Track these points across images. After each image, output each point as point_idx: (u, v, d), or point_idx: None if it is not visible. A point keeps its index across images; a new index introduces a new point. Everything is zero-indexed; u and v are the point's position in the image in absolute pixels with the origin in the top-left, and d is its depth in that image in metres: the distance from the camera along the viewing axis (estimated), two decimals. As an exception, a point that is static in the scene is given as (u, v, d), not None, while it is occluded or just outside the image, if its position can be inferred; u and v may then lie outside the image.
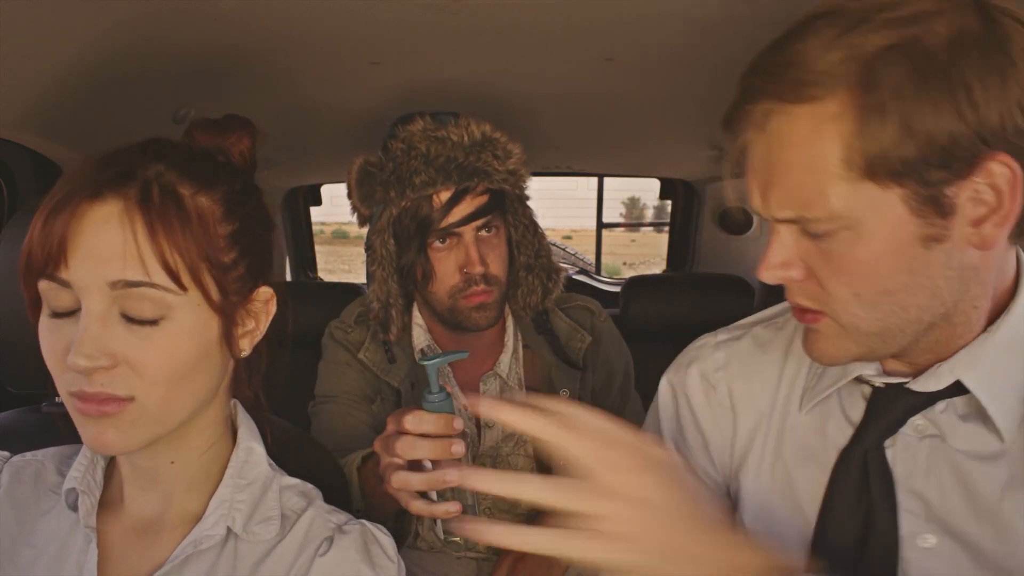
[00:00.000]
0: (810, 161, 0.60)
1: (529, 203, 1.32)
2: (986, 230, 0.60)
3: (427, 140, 1.19)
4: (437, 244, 1.21)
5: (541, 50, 1.33)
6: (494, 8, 1.14)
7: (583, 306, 1.41)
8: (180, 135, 0.78)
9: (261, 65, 1.35)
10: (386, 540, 0.74)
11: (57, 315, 0.65)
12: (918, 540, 0.69)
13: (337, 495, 0.81)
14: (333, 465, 1.01)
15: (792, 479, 0.77)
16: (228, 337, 0.70)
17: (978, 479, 0.68)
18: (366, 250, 1.30)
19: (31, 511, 0.75)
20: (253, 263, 0.72)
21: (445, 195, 1.18)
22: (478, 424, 1.37)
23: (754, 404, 0.82)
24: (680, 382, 0.87)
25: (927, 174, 0.57)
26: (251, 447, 0.77)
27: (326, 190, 2.71)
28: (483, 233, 1.21)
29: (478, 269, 1.19)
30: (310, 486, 0.79)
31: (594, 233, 3.43)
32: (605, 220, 3.36)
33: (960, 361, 0.67)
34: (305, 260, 2.79)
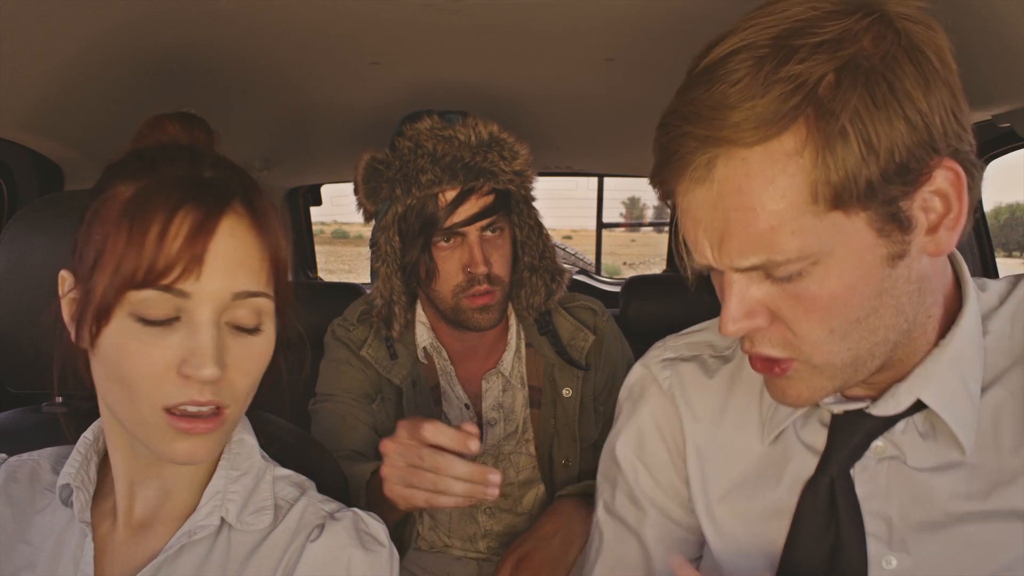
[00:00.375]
0: (773, 202, 0.57)
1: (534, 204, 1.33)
2: (941, 236, 0.60)
3: (434, 139, 1.19)
4: (441, 243, 1.21)
5: (541, 50, 1.33)
6: (494, 8, 1.14)
7: (587, 306, 1.41)
8: None
9: (261, 65, 1.35)
10: (377, 526, 0.75)
11: (151, 324, 0.64)
12: (882, 562, 0.69)
13: (336, 495, 0.81)
14: (333, 465, 1.01)
15: (752, 509, 0.76)
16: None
17: (940, 495, 0.68)
18: (371, 246, 1.30)
19: (27, 509, 0.76)
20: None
21: (451, 194, 1.18)
22: (480, 423, 1.37)
23: (695, 430, 0.80)
24: (637, 389, 0.86)
25: (888, 191, 0.57)
26: (243, 439, 0.77)
27: (326, 190, 2.71)
28: (487, 233, 1.22)
29: (481, 269, 1.19)
30: (303, 477, 0.79)
31: (594, 233, 3.43)
32: (605, 220, 3.36)
33: (917, 379, 0.67)
34: (305, 260, 2.79)
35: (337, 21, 1.18)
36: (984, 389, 0.68)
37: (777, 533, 0.73)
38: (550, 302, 1.32)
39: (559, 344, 1.33)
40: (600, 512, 0.90)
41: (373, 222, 1.30)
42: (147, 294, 0.63)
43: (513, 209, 1.27)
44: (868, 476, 0.70)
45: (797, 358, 0.64)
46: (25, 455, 0.80)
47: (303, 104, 1.62)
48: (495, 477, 0.86)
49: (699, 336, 0.86)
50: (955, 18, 0.99)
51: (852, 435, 0.70)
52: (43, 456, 0.80)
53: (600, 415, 1.38)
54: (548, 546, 1.22)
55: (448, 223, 1.19)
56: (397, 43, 1.29)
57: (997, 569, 0.65)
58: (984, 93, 1.10)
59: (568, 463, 1.35)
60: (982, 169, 0.62)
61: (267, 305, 0.68)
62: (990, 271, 1.48)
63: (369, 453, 1.24)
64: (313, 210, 2.79)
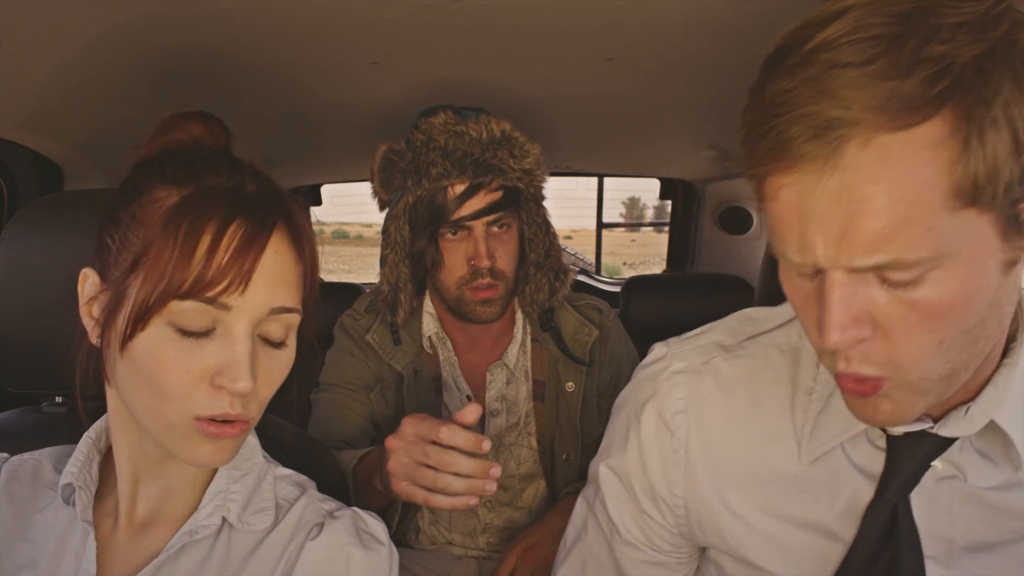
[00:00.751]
0: (911, 195, 0.50)
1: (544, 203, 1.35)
2: None
3: (446, 133, 1.22)
4: (448, 235, 1.24)
5: (541, 50, 1.33)
6: (494, 8, 1.14)
7: (593, 305, 1.43)
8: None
9: (261, 65, 1.35)
10: (376, 524, 0.75)
11: (188, 335, 0.64)
12: None
13: (337, 495, 0.81)
14: (332, 464, 1.01)
15: (796, 537, 0.71)
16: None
17: (1001, 514, 0.66)
18: (382, 234, 1.33)
19: (28, 507, 0.76)
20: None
21: (459, 188, 1.21)
22: (483, 415, 1.37)
23: (722, 452, 0.74)
24: (635, 414, 0.79)
25: (1016, 192, 0.52)
26: (245, 439, 0.78)
27: (326, 190, 2.71)
28: (494, 228, 1.24)
29: (485, 263, 1.22)
30: (304, 477, 0.80)
31: (594, 233, 3.43)
32: (605, 220, 3.36)
33: (989, 399, 0.63)
34: (305, 260, 2.79)
35: (337, 21, 1.18)
36: None
37: (826, 555, 0.70)
38: (553, 299, 1.34)
39: (561, 341, 1.36)
40: (581, 503, 0.88)
41: (387, 211, 1.34)
42: (189, 305, 0.63)
43: (522, 206, 1.30)
44: (927, 498, 0.67)
45: (893, 377, 0.57)
46: (27, 454, 0.80)
47: (303, 104, 1.62)
48: (495, 470, 0.87)
49: (706, 338, 0.80)
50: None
51: (913, 457, 0.66)
52: (45, 455, 0.81)
53: (604, 412, 1.38)
54: (554, 541, 1.21)
55: (455, 216, 1.22)
56: (397, 43, 1.29)
57: None
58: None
59: (569, 458, 1.36)
60: None
61: (296, 320, 0.69)
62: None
63: (360, 445, 1.26)
64: (313, 210, 2.79)
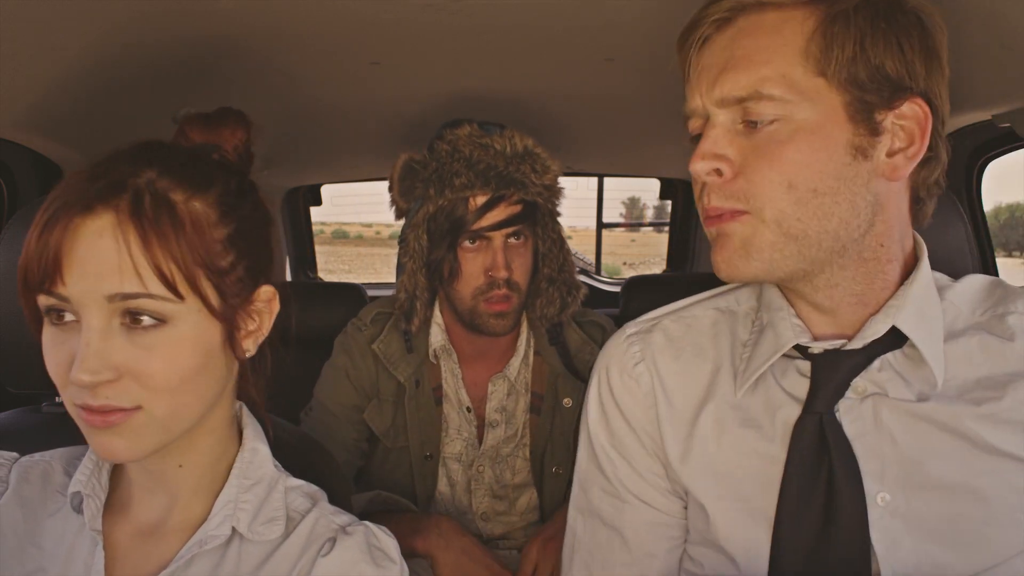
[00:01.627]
0: (774, 45, 0.69)
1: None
2: (897, 161, 0.71)
3: (471, 145, 1.25)
4: (467, 244, 1.26)
5: (541, 50, 1.33)
6: (494, 8, 1.14)
7: (596, 322, 1.45)
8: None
9: (261, 65, 1.35)
10: (389, 541, 0.74)
11: (58, 327, 0.65)
12: (877, 499, 0.72)
13: (339, 500, 0.81)
14: (335, 468, 1.01)
15: (742, 463, 0.78)
16: (231, 340, 0.70)
17: (922, 423, 0.72)
18: (400, 243, 1.35)
19: (38, 511, 0.75)
20: (252, 264, 0.71)
21: (481, 199, 1.24)
22: (480, 425, 1.37)
23: (679, 396, 0.82)
24: (604, 379, 0.87)
25: (867, 93, 0.69)
26: (256, 448, 0.77)
27: (326, 190, 2.71)
28: (512, 241, 1.27)
29: (502, 274, 1.24)
30: (315, 488, 0.79)
31: (594, 233, 3.43)
32: (605, 220, 3.36)
33: (889, 309, 0.74)
34: (305, 260, 2.79)
35: (337, 21, 1.18)
36: (945, 341, 0.76)
37: (771, 478, 0.75)
38: (564, 314, 1.35)
39: (567, 356, 1.37)
40: (572, 512, 0.90)
41: (402, 222, 1.35)
42: (42, 299, 0.65)
43: (538, 221, 1.32)
44: (855, 416, 0.74)
45: (748, 210, 0.70)
46: (37, 455, 0.80)
47: (303, 104, 1.62)
48: None
49: (656, 312, 0.91)
50: (956, 18, 0.99)
51: (834, 372, 0.74)
52: (55, 457, 0.80)
53: None
54: (558, 538, 1.23)
55: (476, 226, 1.24)
56: (397, 43, 1.29)
57: (979, 496, 0.70)
58: (984, 93, 1.10)
59: (559, 471, 1.38)
60: (947, 144, 0.77)
61: (166, 307, 0.64)
62: (990, 271, 1.48)
63: (348, 471, 1.31)
64: (313, 210, 2.79)
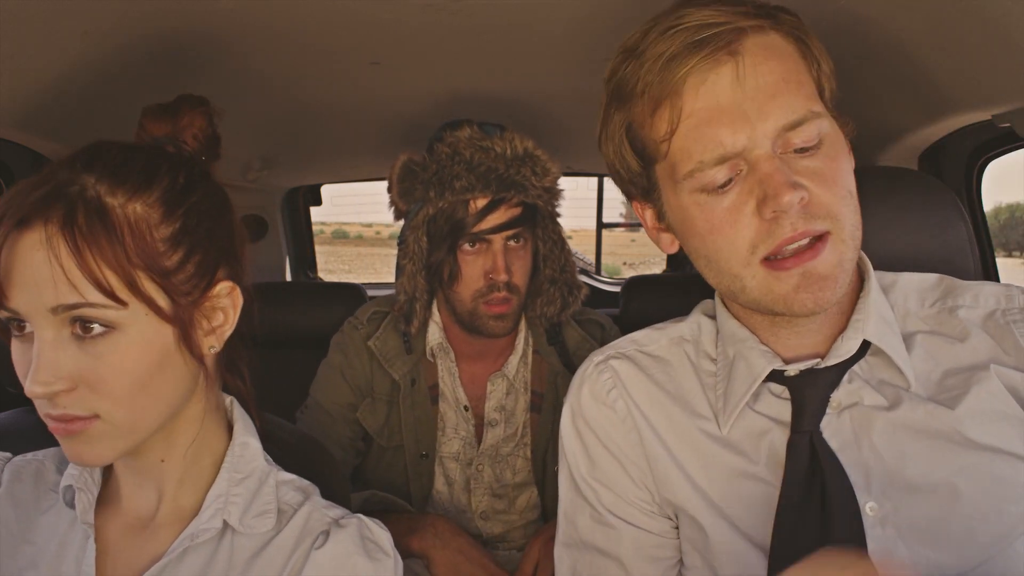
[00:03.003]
0: (797, 64, 0.70)
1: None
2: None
3: (472, 148, 1.24)
4: (467, 247, 1.25)
5: (541, 50, 1.33)
6: (494, 8, 1.14)
7: (595, 320, 1.45)
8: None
9: (261, 65, 1.35)
10: (382, 534, 0.74)
11: (20, 338, 0.65)
12: (866, 509, 0.72)
13: (338, 500, 0.81)
14: (335, 468, 1.01)
15: (731, 490, 0.77)
16: (187, 340, 0.68)
17: (899, 428, 0.73)
18: (399, 244, 1.34)
19: (31, 509, 0.75)
20: (205, 257, 0.70)
21: (481, 202, 1.23)
22: (479, 424, 1.37)
23: (655, 422, 0.82)
24: (578, 408, 0.87)
25: (828, 102, 0.73)
26: (246, 442, 0.77)
27: (326, 190, 2.71)
28: (511, 243, 1.26)
29: (502, 276, 1.24)
30: (307, 482, 0.79)
31: (594, 233, 3.43)
32: (605, 220, 3.35)
33: (856, 324, 0.75)
34: (305, 260, 2.79)
35: (337, 21, 1.18)
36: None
37: (761, 503, 0.75)
38: (564, 314, 1.35)
39: (566, 355, 1.37)
40: (559, 550, 0.89)
41: (401, 222, 1.35)
42: (2, 312, 0.65)
43: (538, 223, 1.32)
44: (834, 430, 0.74)
45: (833, 228, 0.69)
46: (29, 455, 0.80)
47: (303, 104, 1.62)
48: None
49: (618, 342, 0.90)
50: (955, 17, 0.99)
51: (814, 391, 0.75)
52: (48, 456, 0.80)
53: None
54: None
55: (476, 229, 1.23)
56: (397, 43, 1.29)
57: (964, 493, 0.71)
58: (984, 93, 1.10)
59: None
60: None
61: (109, 314, 0.64)
62: (990, 271, 1.48)
63: (345, 444, 1.34)
64: (313, 210, 2.79)
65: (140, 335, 0.65)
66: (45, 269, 0.62)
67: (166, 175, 0.69)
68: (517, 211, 1.25)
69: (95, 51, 1.13)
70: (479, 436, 1.37)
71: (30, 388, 0.62)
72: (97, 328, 0.64)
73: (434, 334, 1.36)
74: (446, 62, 1.39)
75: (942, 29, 1.02)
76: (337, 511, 0.76)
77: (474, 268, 1.25)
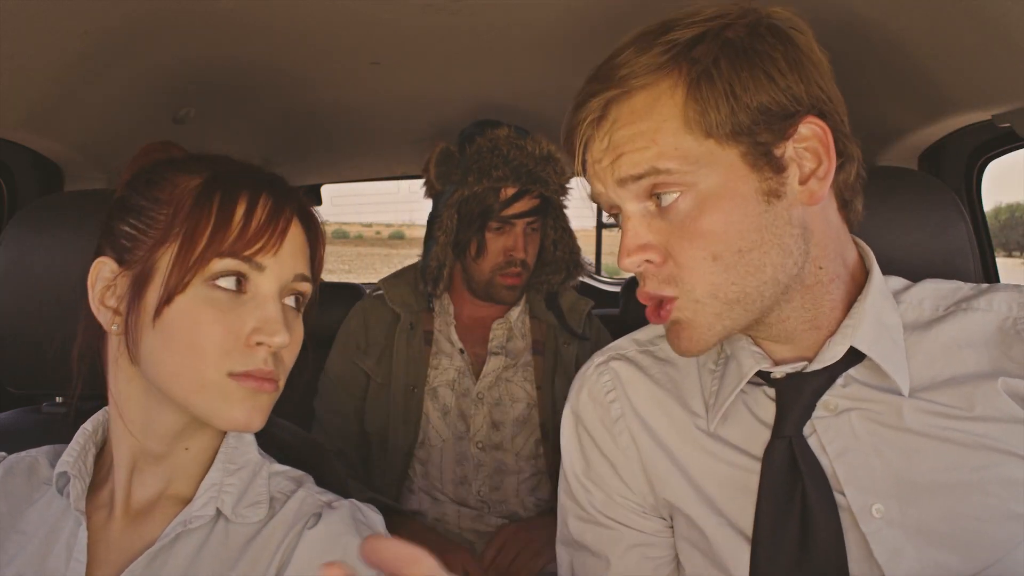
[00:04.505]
0: (656, 125, 0.68)
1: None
2: (812, 186, 0.70)
3: (509, 145, 1.44)
4: (494, 227, 1.45)
5: (541, 50, 1.33)
6: (494, 8, 1.14)
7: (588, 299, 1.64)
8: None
9: (261, 65, 1.35)
10: (374, 517, 0.75)
11: (225, 293, 0.69)
12: (872, 511, 0.72)
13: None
14: (335, 469, 1.01)
15: (724, 489, 0.78)
16: None
17: (898, 433, 0.73)
18: (430, 220, 1.55)
19: (22, 502, 0.76)
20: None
21: (511, 191, 1.44)
22: (476, 363, 1.50)
23: (653, 424, 0.83)
24: (577, 409, 0.88)
25: (757, 135, 0.68)
26: (241, 434, 0.78)
27: (326, 190, 2.71)
28: (529, 228, 1.47)
29: (521, 255, 1.46)
30: (301, 472, 0.80)
31: (594, 233, 3.43)
32: (605, 220, 3.35)
33: (845, 329, 0.74)
34: (305, 260, 2.79)
35: (337, 21, 1.18)
36: (908, 339, 0.77)
37: (748, 511, 0.76)
38: (565, 284, 1.57)
39: (561, 316, 1.55)
40: (558, 548, 0.91)
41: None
42: (228, 263, 0.69)
43: (550, 213, 1.53)
44: (834, 433, 0.74)
45: (680, 295, 0.70)
46: (24, 452, 0.81)
47: (303, 104, 1.62)
48: None
49: (622, 341, 0.91)
50: (955, 17, 0.99)
51: (798, 395, 0.75)
52: (41, 453, 0.81)
53: None
54: (540, 524, 1.40)
55: (506, 213, 1.44)
56: (397, 43, 1.29)
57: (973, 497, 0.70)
58: (984, 93, 1.10)
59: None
60: (855, 144, 0.74)
61: (309, 290, 0.75)
62: (990, 271, 1.48)
63: (347, 412, 1.52)
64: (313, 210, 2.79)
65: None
66: (302, 245, 0.76)
67: None
68: (536, 202, 1.45)
69: (96, 51, 1.13)
70: (476, 372, 1.49)
71: (278, 340, 0.69)
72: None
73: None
74: (446, 62, 1.40)
75: (942, 29, 1.02)
76: (330, 495, 0.77)
77: (496, 245, 1.46)
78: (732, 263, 0.69)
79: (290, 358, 0.73)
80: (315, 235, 0.77)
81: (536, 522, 1.42)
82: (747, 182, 0.68)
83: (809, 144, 0.70)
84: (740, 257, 0.69)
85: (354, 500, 0.76)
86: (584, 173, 0.77)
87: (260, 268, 0.70)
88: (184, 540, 0.72)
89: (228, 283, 0.69)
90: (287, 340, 0.69)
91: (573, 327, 1.54)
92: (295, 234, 0.73)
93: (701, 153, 0.68)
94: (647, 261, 0.71)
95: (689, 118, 0.68)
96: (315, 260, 0.77)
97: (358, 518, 0.74)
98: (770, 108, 0.67)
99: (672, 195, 0.69)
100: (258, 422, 0.70)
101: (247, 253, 0.69)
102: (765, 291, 0.70)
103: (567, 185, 1.52)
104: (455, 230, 1.48)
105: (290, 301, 0.74)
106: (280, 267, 0.71)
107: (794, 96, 0.68)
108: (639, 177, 0.69)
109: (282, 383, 0.73)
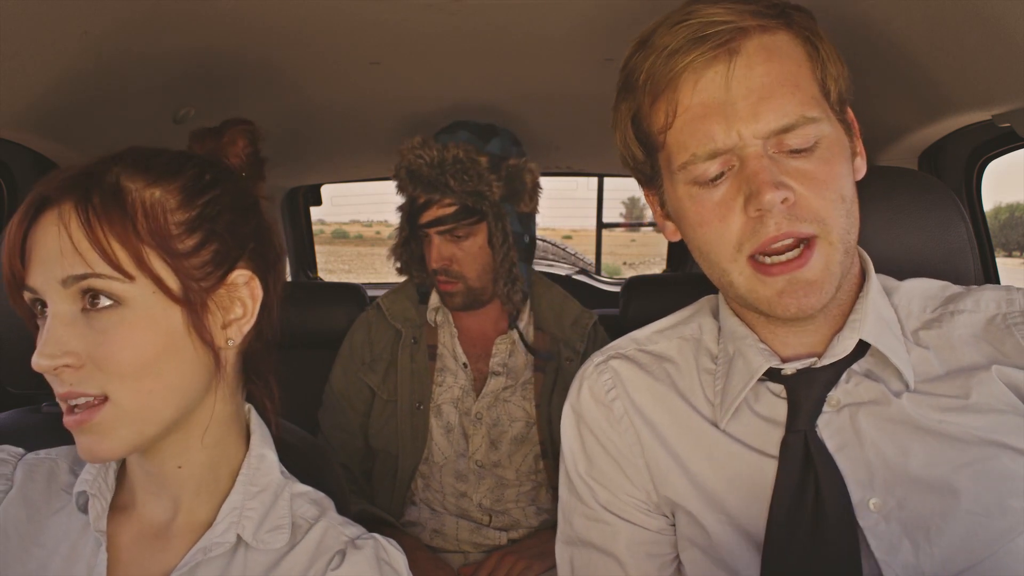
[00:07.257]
0: (798, 67, 0.70)
1: (508, 219, 1.45)
2: (858, 163, 0.76)
3: (411, 154, 1.39)
4: (420, 236, 1.46)
5: (540, 51, 1.33)
6: (494, 9, 1.14)
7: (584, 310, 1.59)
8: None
9: (261, 65, 1.35)
10: (398, 556, 0.74)
11: (43, 319, 0.67)
12: (870, 504, 0.72)
13: (337, 502, 0.81)
14: (334, 472, 1.01)
15: (731, 487, 0.78)
16: (197, 325, 0.68)
17: (899, 424, 0.73)
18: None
19: (42, 510, 0.75)
20: (223, 248, 0.71)
21: (421, 200, 1.41)
22: (478, 378, 1.48)
23: (656, 422, 0.83)
24: (578, 407, 0.88)
25: (839, 103, 0.74)
26: (263, 454, 0.76)
27: (326, 190, 2.71)
28: (451, 236, 1.41)
29: (433, 265, 1.42)
30: (321, 495, 0.78)
31: (594, 233, 3.43)
32: (605, 220, 3.36)
33: (853, 324, 0.75)
34: (305, 260, 2.79)
35: (337, 21, 1.18)
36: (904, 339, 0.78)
37: (759, 501, 0.76)
38: (508, 296, 1.45)
39: (522, 337, 1.50)
40: (559, 548, 0.90)
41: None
42: (25, 295, 0.67)
43: (484, 221, 1.42)
44: (835, 429, 0.75)
45: (819, 232, 0.70)
46: (43, 452, 0.79)
47: (303, 104, 1.62)
48: None
49: (619, 339, 0.91)
50: (955, 17, 0.99)
51: (810, 390, 0.76)
52: (61, 455, 0.79)
53: None
54: (534, 546, 1.39)
55: (419, 223, 1.42)
56: (397, 43, 1.29)
57: (969, 488, 0.71)
58: (984, 93, 1.10)
59: None
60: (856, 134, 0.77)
61: (115, 286, 0.65)
62: (990, 271, 1.48)
63: (352, 429, 1.50)
64: (313, 210, 2.79)
65: (147, 312, 0.66)
66: (55, 242, 0.65)
67: (191, 170, 0.71)
68: (449, 210, 1.39)
69: (95, 51, 1.13)
70: (478, 389, 1.47)
71: (36, 361, 0.63)
72: (104, 301, 0.65)
73: (435, 299, 1.51)
74: (446, 62, 1.40)
75: (942, 29, 1.03)
76: (353, 529, 0.75)
77: (426, 254, 1.45)
78: (847, 209, 0.71)
79: (120, 360, 0.65)
80: (105, 220, 0.65)
81: (529, 542, 1.41)
82: (846, 141, 0.74)
83: (853, 126, 0.75)
84: (847, 206, 0.71)
85: (377, 537, 0.74)
86: (666, 125, 0.73)
87: (34, 291, 0.66)
88: (203, 569, 0.70)
89: (36, 310, 0.67)
90: (47, 364, 0.63)
91: (574, 340, 1.50)
92: (49, 237, 0.65)
93: (823, 109, 0.71)
94: (784, 197, 0.69)
95: (814, 70, 0.71)
96: (129, 247, 0.66)
97: (382, 557, 0.73)
98: (840, 92, 0.73)
99: (812, 139, 0.70)
100: (100, 451, 0.66)
101: (19, 282, 0.67)
102: (853, 246, 0.73)
103: (482, 191, 1.39)
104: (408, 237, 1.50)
105: (90, 301, 0.65)
106: (39, 283, 0.65)
107: (842, 89, 0.74)
108: (787, 129, 0.69)
109: (125, 394, 0.65)
